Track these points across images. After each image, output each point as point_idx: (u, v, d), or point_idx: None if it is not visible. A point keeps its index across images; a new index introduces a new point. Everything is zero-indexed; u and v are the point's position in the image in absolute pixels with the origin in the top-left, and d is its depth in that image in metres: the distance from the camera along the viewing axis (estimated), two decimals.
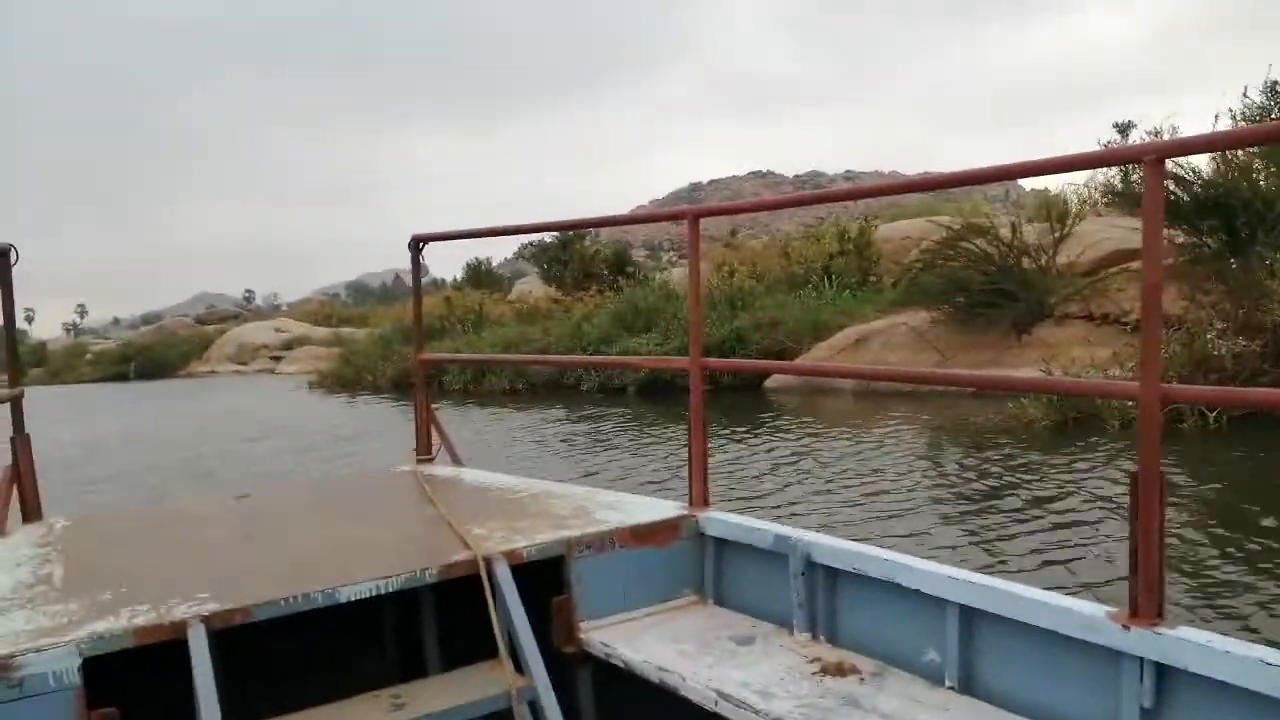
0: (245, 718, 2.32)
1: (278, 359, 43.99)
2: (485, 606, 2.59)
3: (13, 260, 3.59)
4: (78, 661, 2.16)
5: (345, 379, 28.17)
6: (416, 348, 4.85)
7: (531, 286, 38.80)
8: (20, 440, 3.75)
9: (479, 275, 42.28)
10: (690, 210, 3.23)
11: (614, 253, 29.28)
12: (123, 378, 45.65)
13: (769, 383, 17.37)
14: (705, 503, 3.20)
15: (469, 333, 27.58)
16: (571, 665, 2.82)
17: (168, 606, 2.37)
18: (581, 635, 2.79)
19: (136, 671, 2.37)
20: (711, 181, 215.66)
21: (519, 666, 2.56)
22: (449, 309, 30.83)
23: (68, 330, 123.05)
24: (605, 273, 29.14)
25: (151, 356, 48.43)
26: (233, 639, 2.45)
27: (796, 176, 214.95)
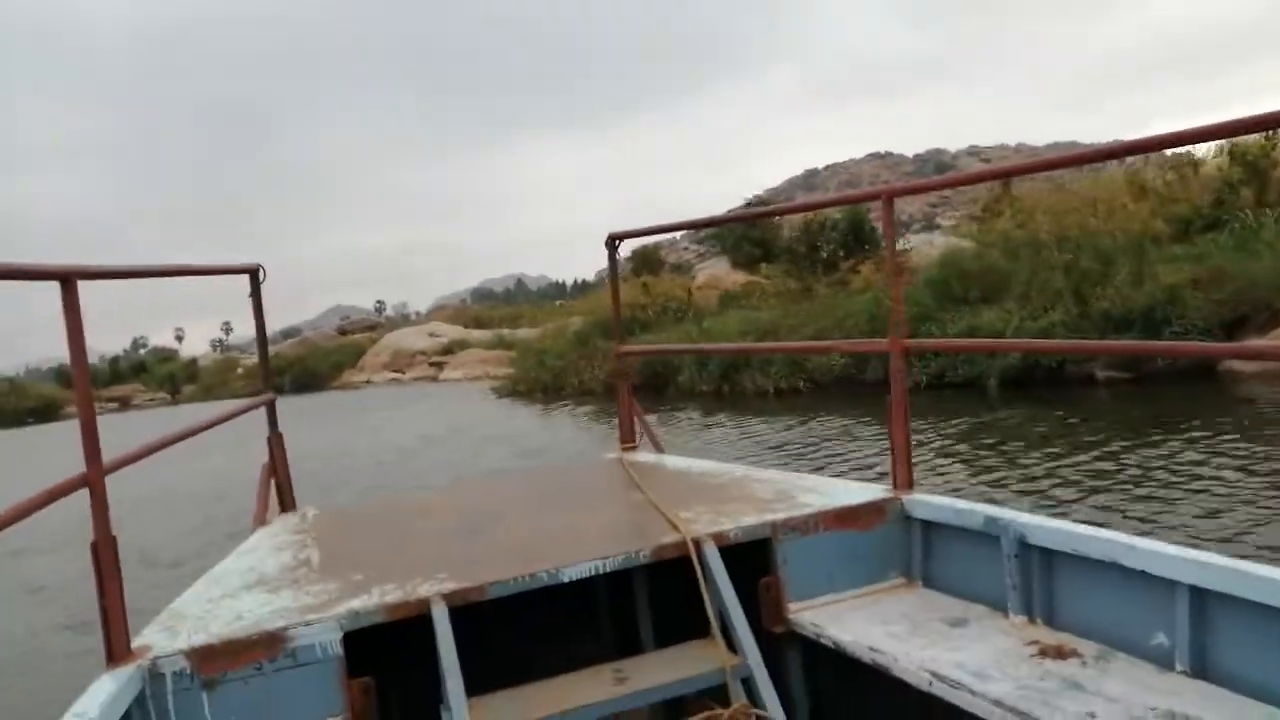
0: (481, 687, 2.34)
1: (438, 365, 39.80)
2: (694, 587, 2.56)
3: (261, 278, 3.80)
4: (339, 635, 2.29)
5: (542, 384, 23.39)
6: (618, 340, 4.65)
7: (717, 270, 33.48)
8: (275, 439, 3.97)
9: (649, 262, 37.25)
10: (885, 190, 3.02)
11: (850, 223, 23.37)
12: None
13: (1234, 365, 11.48)
14: (910, 485, 2.98)
15: (682, 321, 22.42)
16: (780, 645, 2.73)
17: (412, 585, 2.46)
18: (790, 616, 2.70)
19: (385, 643, 2.43)
20: (828, 166, 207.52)
21: (730, 645, 2.50)
22: (648, 296, 25.72)
23: (214, 347, 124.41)
24: (839, 247, 23.40)
25: (304, 368, 45.11)
26: (468, 615, 2.42)
27: (917, 156, 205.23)
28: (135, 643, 2.26)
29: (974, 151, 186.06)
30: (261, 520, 3.66)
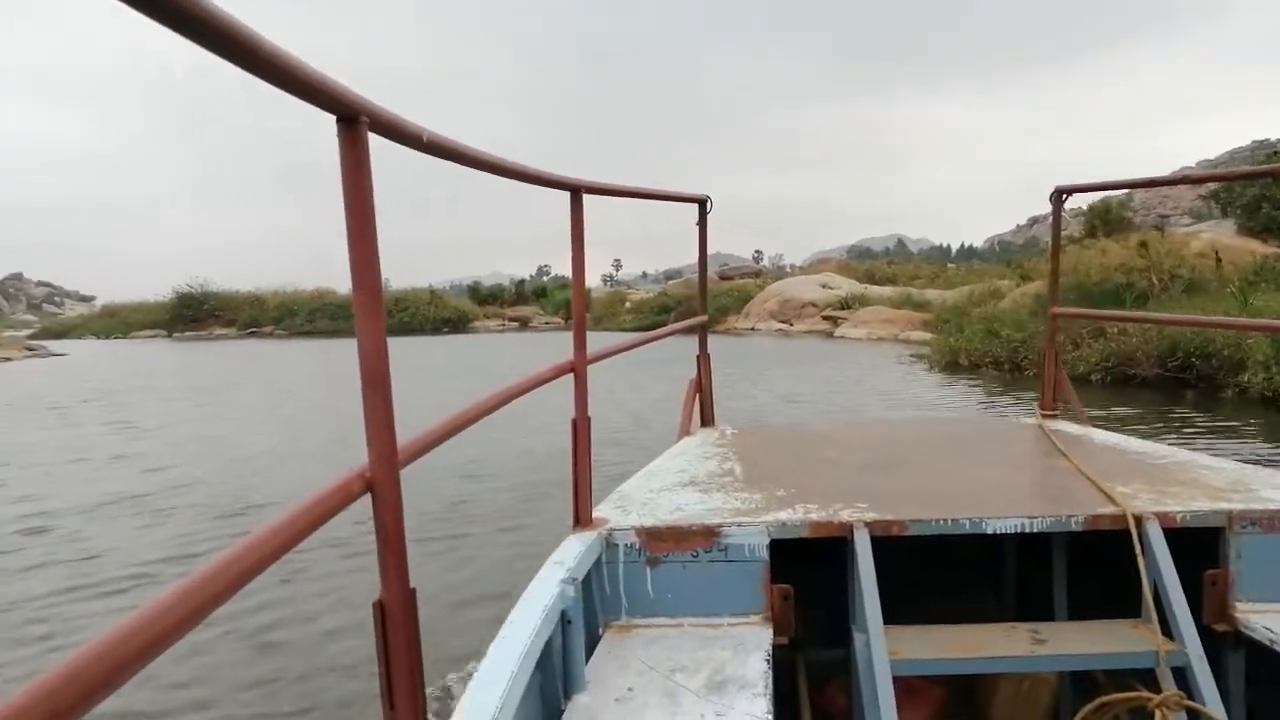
0: (891, 618, 2.25)
1: (832, 320, 35.07)
2: (1116, 563, 2.34)
3: (708, 208, 3.86)
4: (766, 540, 2.35)
5: (993, 358, 17.81)
6: (1051, 301, 4.32)
7: (1220, 235, 25.15)
8: (703, 358, 4.16)
9: (1110, 223, 29.45)
10: None
11: None
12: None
13: None
14: None
15: (1199, 295, 15.55)
16: (1217, 643, 2.34)
17: (834, 509, 2.46)
18: (1236, 615, 2.32)
19: (796, 558, 2.43)
20: None
21: (1164, 630, 2.21)
22: (1146, 259, 18.88)
23: (604, 281, 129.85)
24: None
25: (691, 308, 42.55)
26: (878, 547, 2.34)
27: None
28: (594, 514, 2.47)
29: None
30: (686, 430, 3.88)
